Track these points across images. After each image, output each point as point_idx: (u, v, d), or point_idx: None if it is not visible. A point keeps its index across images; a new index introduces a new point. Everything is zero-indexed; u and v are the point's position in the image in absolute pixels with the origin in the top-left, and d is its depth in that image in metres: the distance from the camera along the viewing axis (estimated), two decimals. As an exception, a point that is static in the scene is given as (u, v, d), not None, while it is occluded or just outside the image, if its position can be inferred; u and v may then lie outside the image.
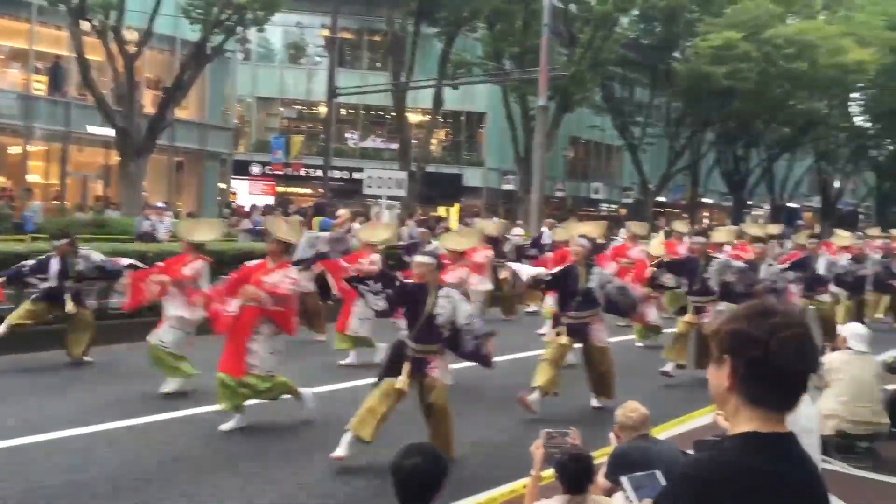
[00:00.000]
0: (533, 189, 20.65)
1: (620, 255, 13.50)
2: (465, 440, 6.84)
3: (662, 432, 6.97)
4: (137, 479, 5.75)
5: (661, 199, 42.36)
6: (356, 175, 30.16)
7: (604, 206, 46.19)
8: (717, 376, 1.82)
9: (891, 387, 7.34)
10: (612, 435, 4.61)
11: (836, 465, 6.49)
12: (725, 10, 34.46)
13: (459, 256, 10.65)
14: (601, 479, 4.27)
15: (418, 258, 6.71)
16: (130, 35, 22.37)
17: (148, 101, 25.89)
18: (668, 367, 9.87)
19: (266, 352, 7.11)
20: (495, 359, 6.73)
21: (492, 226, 15.49)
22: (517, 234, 18.72)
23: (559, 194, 40.68)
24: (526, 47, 28.49)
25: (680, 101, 37.59)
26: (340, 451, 6.15)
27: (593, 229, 12.20)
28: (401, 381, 6.24)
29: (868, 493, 6.06)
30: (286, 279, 7.15)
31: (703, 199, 44.90)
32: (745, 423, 1.78)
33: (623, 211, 43.38)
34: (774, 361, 1.72)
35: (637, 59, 36.27)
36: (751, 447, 1.74)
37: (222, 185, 33.16)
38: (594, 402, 8.43)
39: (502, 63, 30.49)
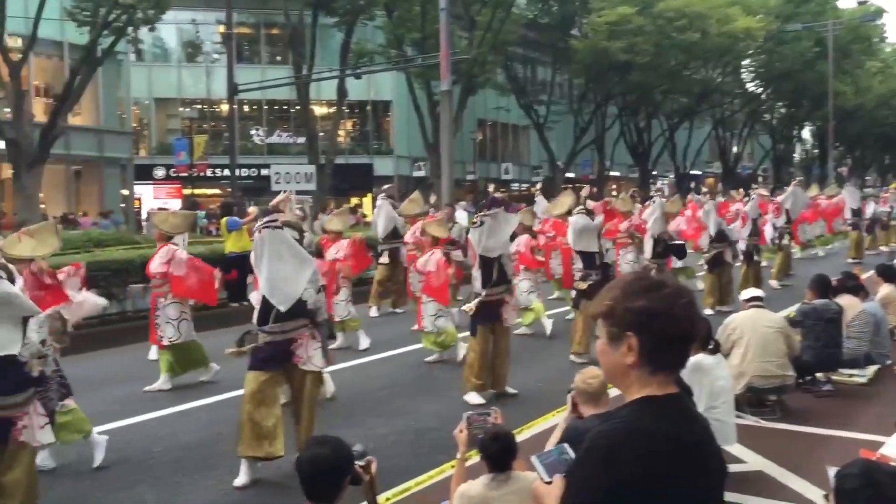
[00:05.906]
0: (443, 174, 20.65)
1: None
2: (389, 431, 6.85)
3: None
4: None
5: (570, 174, 43.13)
6: (264, 172, 29.66)
7: (515, 186, 46.74)
8: (615, 354, 1.83)
9: (798, 339, 7.60)
10: (568, 397, 4.22)
11: (749, 420, 6.75)
12: (617, -15, 35.20)
13: (339, 237, 11.01)
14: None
15: None
16: (13, 42, 21.37)
17: (39, 110, 24.85)
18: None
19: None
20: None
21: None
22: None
23: (470, 177, 40.93)
24: (426, 33, 28.45)
25: (581, 77, 38.27)
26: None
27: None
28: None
29: (778, 442, 6.32)
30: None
31: (611, 173, 45.89)
32: (640, 390, 1.83)
33: (534, 189, 43.93)
34: (679, 329, 1.78)
35: (537, 38, 36.72)
36: (649, 411, 1.79)
37: (125, 192, 32.16)
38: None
39: (404, 50, 30.38)
